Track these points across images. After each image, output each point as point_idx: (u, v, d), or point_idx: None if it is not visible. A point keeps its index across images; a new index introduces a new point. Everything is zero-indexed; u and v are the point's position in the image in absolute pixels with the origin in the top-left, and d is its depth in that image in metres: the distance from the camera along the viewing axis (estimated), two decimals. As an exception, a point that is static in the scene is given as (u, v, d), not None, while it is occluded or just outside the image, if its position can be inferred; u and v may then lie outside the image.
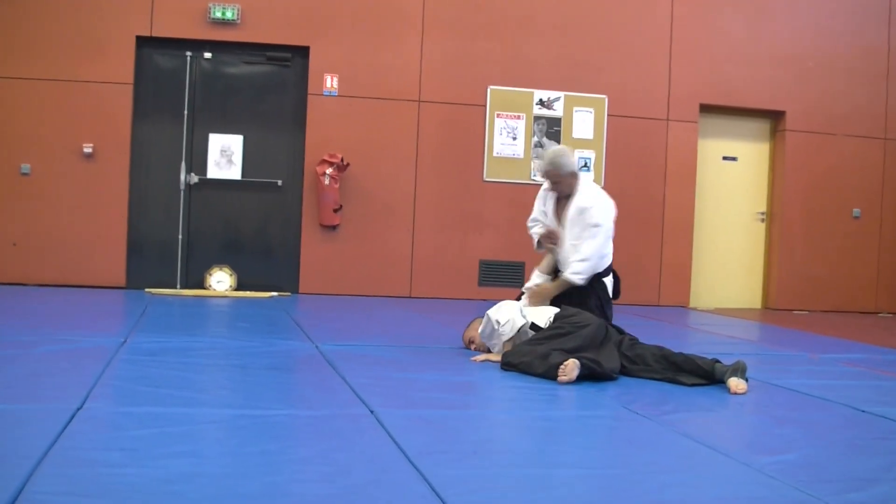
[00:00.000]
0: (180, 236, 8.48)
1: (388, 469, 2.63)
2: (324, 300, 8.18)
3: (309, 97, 8.62)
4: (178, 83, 8.50)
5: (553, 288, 5.09)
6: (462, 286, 8.87)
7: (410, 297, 8.75)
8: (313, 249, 8.64)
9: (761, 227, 9.82)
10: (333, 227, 8.62)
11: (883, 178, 9.79)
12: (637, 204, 8.96)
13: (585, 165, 8.97)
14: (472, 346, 5.04)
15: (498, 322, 4.70)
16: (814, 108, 9.58)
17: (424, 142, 8.82)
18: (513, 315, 4.69)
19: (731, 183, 9.74)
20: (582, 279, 5.04)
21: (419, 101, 8.79)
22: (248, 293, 8.25)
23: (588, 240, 5.01)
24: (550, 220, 5.20)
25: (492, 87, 8.92)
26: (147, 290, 8.18)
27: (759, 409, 3.91)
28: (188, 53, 8.49)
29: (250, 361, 4.46)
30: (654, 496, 2.51)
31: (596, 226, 5.01)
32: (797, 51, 9.53)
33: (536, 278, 5.22)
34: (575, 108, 9.06)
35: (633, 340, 4.60)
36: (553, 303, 5.03)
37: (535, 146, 8.99)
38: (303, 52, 8.63)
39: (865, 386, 4.61)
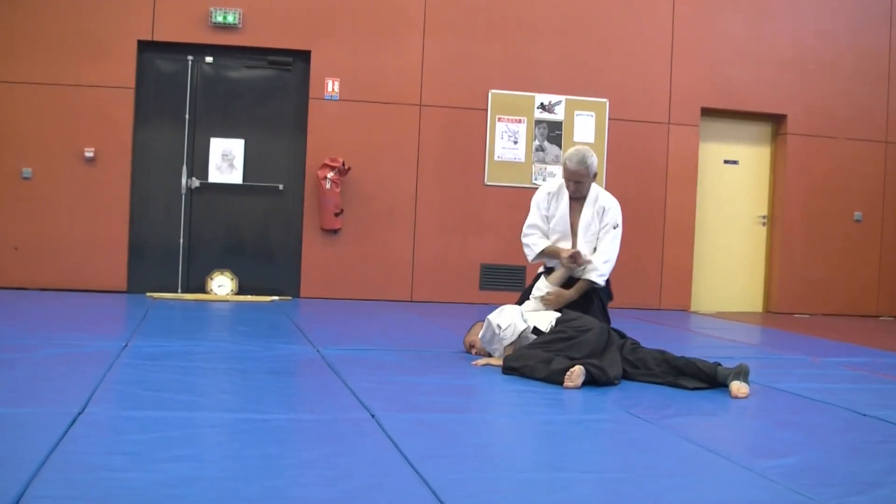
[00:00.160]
0: (181, 240, 8.49)
1: (389, 473, 2.62)
2: (325, 304, 8.18)
3: (310, 101, 8.62)
4: (180, 87, 8.51)
5: (573, 292, 5.08)
6: (463, 290, 8.87)
7: (411, 301, 8.76)
8: (314, 253, 8.64)
9: (762, 231, 9.82)
10: (335, 231, 8.62)
11: (884, 181, 9.79)
12: (638, 207, 8.95)
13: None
14: (473, 351, 5.02)
15: (499, 326, 4.68)
16: (815, 112, 9.58)
17: (425, 146, 8.83)
18: (514, 319, 4.67)
19: (733, 186, 9.73)
20: (604, 280, 5.10)
21: (420, 104, 8.79)
22: (249, 297, 8.25)
23: (610, 241, 5.08)
24: (561, 222, 5.15)
25: (493, 90, 8.93)
26: (148, 294, 8.18)
27: (760, 412, 3.91)
28: (189, 57, 8.50)
29: (251, 365, 4.46)
30: (656, 500, 2.51)
31: (616, 226, 5.10)
32: (798, 54, 9.54)
33: (545, 287, 5.11)
34: (576, 112, 9.06)
35: (635, 344, 4.60)
36: (554, 305, 5.04)
37: (536, 150, 9.00)
38: (304, 56, 8.65)
39: (867, 389, 4.61)
